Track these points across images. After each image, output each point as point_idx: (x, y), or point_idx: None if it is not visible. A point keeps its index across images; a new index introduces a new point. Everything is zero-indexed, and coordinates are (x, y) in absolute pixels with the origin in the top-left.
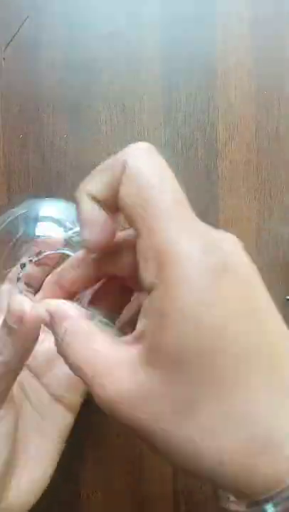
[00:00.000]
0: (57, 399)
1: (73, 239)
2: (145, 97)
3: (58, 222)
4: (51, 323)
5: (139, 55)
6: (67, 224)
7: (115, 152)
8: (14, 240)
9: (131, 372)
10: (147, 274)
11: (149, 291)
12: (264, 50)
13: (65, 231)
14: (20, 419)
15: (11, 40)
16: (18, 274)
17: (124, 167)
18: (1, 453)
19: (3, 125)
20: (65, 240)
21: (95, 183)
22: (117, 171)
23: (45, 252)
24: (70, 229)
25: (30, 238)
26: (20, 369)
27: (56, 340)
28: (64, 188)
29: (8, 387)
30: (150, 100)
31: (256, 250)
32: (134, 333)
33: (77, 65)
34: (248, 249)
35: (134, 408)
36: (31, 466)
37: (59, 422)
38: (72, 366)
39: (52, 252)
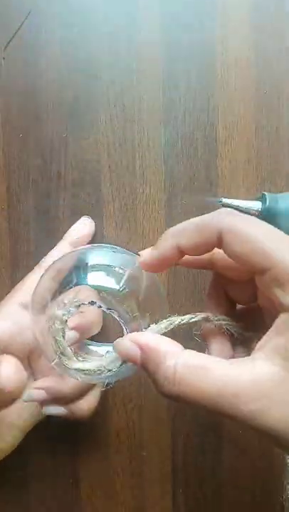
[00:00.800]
0: None
1: (122, 291)
2: (145, 97)
3: (108, 269)
4: (145, 360)
5: (139, 55)
6: (117, 269)
7: (115, 152)
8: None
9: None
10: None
11: (280, 309)
12: (264, 50)
13: (116, 279)
14: None
15: (11, 40)
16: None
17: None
18: None
19: (3, 125)
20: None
21: (185, 239)
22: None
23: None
24: (121, 274)
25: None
26: None
27: (157, 379)
28: (64, 188)
29: None
30: (150, 100)
31: None
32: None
33: (77, 65)
34: None
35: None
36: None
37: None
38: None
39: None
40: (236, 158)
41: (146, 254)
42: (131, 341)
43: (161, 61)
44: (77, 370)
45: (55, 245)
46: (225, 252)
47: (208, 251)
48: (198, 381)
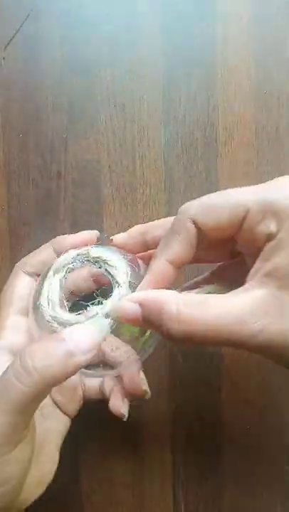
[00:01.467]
0: (58, 405)
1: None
2: (145, 97)
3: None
4: (147, 314)
5: (139, 55)
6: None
7: (115, 152)
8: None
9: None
10: (264, 228)
11: (266, 241)
12: (264, 50)
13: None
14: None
15: (11, 40)
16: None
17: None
18: (24, 462)
19: (3, 125)
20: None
21: (171, 253)
22: (189, 232)
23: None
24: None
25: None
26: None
27: (163, 325)
28: (64, 188)
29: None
30: (150, 100)
31: None
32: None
33: (77, 65)
34: None
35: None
36: (40, 464)
37: (60, 424)
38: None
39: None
40: (236, 158)
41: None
42: (129, 300)
43: (161, 61)
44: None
45: None
46: (203, 232)
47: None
48: (201, 314)
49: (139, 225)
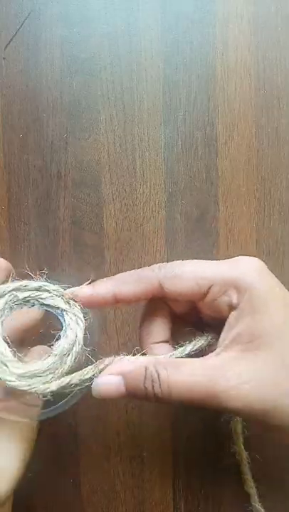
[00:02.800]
0: None
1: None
2: (145, 97)
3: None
4: (131, 382)
5: (139, 54)
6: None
7: (115, 152)
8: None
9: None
10: (226, 299)
11: (229, 311)
12: (264, 50)
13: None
14: None
15: (11, 40)
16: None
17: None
18: None
19: (3, 125)
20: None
21: (123, 290)
22: (152, 286)
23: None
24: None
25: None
26: None
27: (151, 393)
28: (64, 188)
29: None
30: (150, 100)
31: (256, 249)
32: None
33: (77, 65)
34: (247, 248)
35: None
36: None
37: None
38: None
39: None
40: (236, 158)
41: (80, 289)
42: (113, 375)
43: (161, 61)
44: (23, 375)
45: (54, 245)
46: (168, 296)
47: (145, 299)
48: (176, 375)
49: (107, 282)
